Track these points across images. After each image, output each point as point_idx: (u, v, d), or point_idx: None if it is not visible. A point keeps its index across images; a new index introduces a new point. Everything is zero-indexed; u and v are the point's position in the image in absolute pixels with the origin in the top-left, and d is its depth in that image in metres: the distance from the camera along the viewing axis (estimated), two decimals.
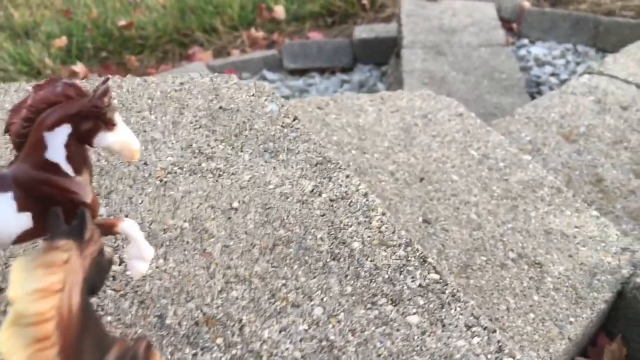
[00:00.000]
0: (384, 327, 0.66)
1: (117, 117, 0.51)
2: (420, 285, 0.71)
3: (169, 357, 0.61)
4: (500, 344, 0.65)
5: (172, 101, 0.98)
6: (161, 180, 0.83)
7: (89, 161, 0.53)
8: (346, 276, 0.72)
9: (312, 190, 0.84)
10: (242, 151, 0.90)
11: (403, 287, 0.71)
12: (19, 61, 2.56)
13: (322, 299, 0.68)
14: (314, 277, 0.71)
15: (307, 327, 0.65)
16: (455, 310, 0.69)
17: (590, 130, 1.45)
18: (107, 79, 0.50)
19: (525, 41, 2.53)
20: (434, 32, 2.29)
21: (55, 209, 0.44)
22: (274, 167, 0.87)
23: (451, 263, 0.96)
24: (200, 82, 1.04)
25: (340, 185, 0.85)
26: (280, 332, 0.65)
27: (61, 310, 0.40)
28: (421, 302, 0.69)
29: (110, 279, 0.68)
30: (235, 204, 0.80)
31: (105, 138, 0.51)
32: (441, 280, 0.72)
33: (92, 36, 2.72)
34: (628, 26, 2.36)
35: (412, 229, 1.01)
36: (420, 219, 1.04)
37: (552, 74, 2.30)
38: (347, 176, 0.87)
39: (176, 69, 2.45)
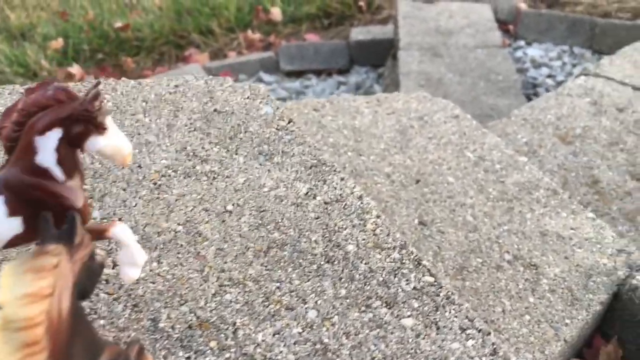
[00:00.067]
0: (378, 330, 0.66)
1: (109, 121, 0.51)
2: (414, 288, 0.71)
3: None
4: (495, 346, 0.65)
5: (166, 104, 0.98)
6: (155, 183, 0.83)
7: (80, 165, 0.52)
8: (340, 279, 0.71)
9: (307, 193, 0.84)
10: (236, 154, 0.90)
11: (397, 289, 0.71)
12: (15, 63, 2.56)
13: (316, 302, 0.68)
14: (308, 280, 0.71)
15: (301, 330, 0.65)
16: (450, 312, 0.68)
17: (586, 132, 1.45)
18: (99, 83, 0.50)
19: (522, 43, 2.53)
20: (431, 33, 2.29)
21: (45, 214, 0.44)
22: (269, 170, 0.87)
23: (447, 265, 0.96)
24: (194, 84, 1.04)
25: (335, 188, 0.85)
26: (274, 335, 0.64)
27: (51, 314, 0.40)
28: (415, 305, 0.69)
29: (103, 282, 0.68)
30: (229, 207, 0.80)
31: (96, 142, 0.50)
32: (436, 283, 0.72)
33: (88, 38, 2.72)
34: (624, 28, 2.37)
35: (408, 231, 1.01)
36: (416, 221, 1.04)
37: (549, 76, 2.30)
38: (342, 179, 0.86)
39: (172, 71, 2.45)
